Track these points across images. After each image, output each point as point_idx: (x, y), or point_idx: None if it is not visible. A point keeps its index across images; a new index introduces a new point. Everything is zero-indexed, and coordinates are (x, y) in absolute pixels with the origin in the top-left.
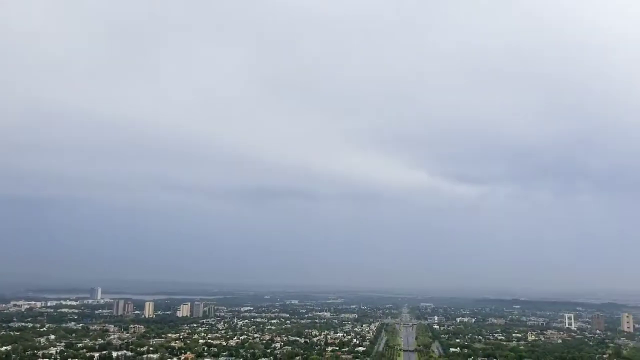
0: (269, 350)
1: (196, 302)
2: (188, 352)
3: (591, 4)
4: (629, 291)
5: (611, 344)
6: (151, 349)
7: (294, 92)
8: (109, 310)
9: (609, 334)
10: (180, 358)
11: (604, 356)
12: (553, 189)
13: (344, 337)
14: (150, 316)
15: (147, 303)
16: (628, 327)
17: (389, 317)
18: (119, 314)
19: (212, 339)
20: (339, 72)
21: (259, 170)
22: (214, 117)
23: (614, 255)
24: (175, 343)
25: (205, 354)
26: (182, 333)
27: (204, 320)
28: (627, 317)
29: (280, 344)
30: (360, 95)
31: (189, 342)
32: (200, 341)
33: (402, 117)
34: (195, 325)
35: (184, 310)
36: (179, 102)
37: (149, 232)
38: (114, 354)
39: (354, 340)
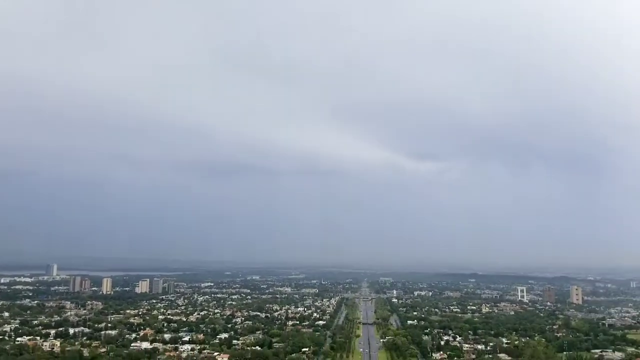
0: (229, 325)
1: (155, 279)
2: (147, 328)
3: None
4: (578, 265)
5: (561, 315)
6: (109, 325)
7: (250, 65)
8: (65, 287)
9: (559, 305)
10: (139, 334)
11: (554, 327)
12: (508, 165)
13: (305, 312)
14: (108, 292)
15: (104, 279)
16: (577, 300)
17: (349, 292)
18: (76, 290)
19: (172, 315)
20: (296, 45)
21: (216, 145)
22: (169, 89)
23: (565, 231)
24: (134, 319)
25: (165, 329)
26: (141, 309)
27: (164, 297)
28: (577, 290)
29: (241, 319)
30: (320, 70)
31: (148, 318)
32: (160, 317)
33: (364, 94)
34: (154, 301)
35: (142, 287)
36: (132, 74)
37: (104, 207)
38: (71, 330)
39: (315, 314)
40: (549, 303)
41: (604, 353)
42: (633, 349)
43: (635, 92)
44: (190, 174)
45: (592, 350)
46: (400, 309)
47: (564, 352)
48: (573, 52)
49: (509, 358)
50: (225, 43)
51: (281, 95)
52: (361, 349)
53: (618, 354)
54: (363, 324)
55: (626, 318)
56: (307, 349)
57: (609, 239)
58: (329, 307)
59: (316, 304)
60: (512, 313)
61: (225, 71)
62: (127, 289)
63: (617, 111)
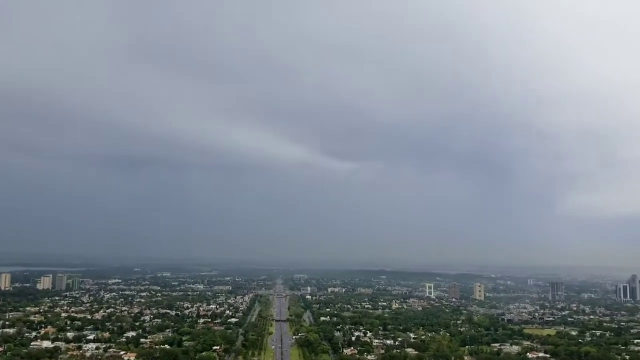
0: (137, 324)
1: (59, 274)
2: (49, 326)
3: None
4: (480, 263)
5: (464, 311)
6: (7, 323)
7: (168, 59)
8: None
9: (463, 301)
10: (40, 332)
11: (458, 322)
12: (417, 166)
13: (217, 309)
14: (7, 289)
15: (2, 275)
16: (480, 296)
17: (263, 289)
18: None
19: (76, 312)
20: (216, 42)
21: (128, 137)
22: (81, 80)
23: (468, 230)
24: (35, 317)
25: (68, 327)
26: (43, 306)
27: (67, 293)
28: (479, 286)
29: (150, 317)
30: (237, 68)
31: (49, 315)
32: (63, 315)
33: (279, 92)
34: (57, 298)
35: (44, 283)
36: (43, 63)
37: (3, 199)
38: None
39: (227, 311)
40: (454, 299)
41: (502, 347)
42: (528, 343)
43: (538, 97)
44: (96, 166)
45: (492, 344)
46: (314, 305)
47: (467, 346)
48: (477, 53)
49: (416, 352)
50: (142, 37)
51: (198, 91)
52: (273, 346)
53: (515, 347)
54: (276, 320)
55: (523, 313)
56: (218, 347)
57: (508, 238)
58: (242, 304)
59: (229, 301)
60: (420, 309)
61: (142, 64)
62: (27, 285)
63: (518, 115)
